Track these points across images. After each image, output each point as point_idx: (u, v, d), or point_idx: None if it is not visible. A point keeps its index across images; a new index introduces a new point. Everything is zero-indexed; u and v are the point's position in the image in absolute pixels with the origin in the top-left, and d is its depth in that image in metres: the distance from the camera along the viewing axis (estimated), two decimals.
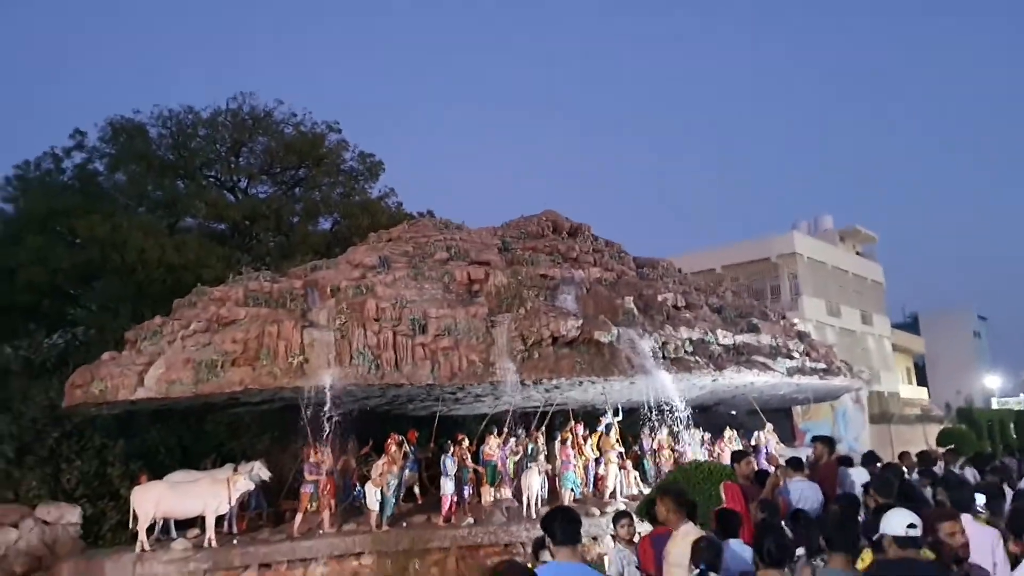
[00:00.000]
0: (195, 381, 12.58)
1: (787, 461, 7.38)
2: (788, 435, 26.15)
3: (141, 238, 20.03)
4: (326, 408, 12.65)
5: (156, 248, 19.85)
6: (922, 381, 51.92)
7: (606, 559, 6.60)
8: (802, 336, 19.01)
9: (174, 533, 13.62)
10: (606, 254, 18.86)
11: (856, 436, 34.56)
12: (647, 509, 10.57)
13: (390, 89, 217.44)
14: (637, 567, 6.17)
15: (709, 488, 9.80)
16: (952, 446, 23.38)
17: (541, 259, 16.79)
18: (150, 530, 13.12)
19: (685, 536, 4.96)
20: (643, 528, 8.25)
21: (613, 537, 6.79)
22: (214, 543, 12.90)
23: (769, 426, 20.10)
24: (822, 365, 17.91)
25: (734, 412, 22.55)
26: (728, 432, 19.51)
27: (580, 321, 14.37)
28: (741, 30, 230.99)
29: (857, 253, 44.84)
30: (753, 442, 19.98)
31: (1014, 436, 33.43)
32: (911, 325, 55.19)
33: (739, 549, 5.38)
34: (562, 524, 4.16)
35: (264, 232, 24.19)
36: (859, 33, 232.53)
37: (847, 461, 8.56)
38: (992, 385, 50.31)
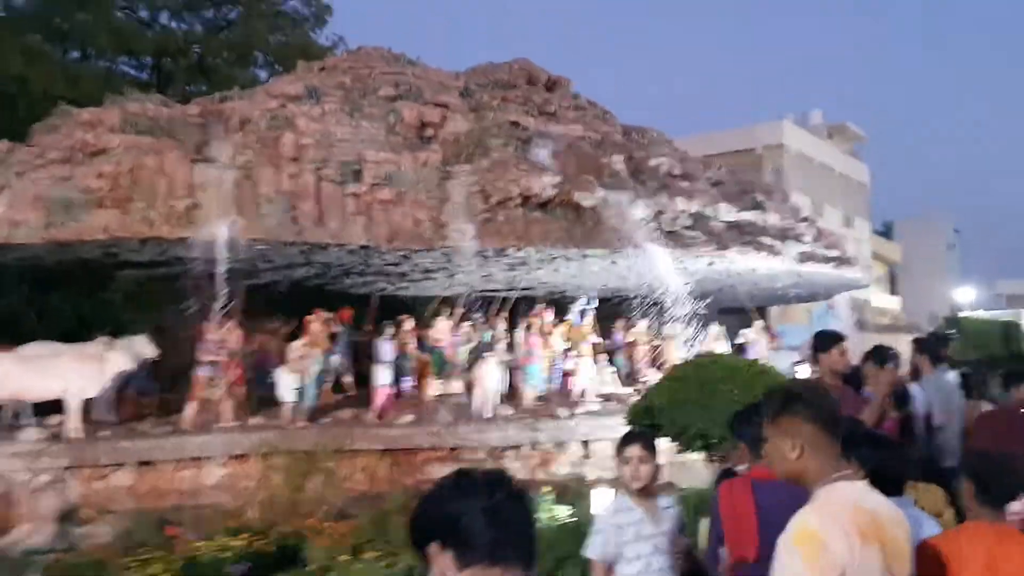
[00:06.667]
0: (45, 224, 9.47)
1: (878, 354, 4.62)
2: None
3: (23, 65, 16.33)
4: (217, 269, 9.66)
5: (41, 77, 16.19)
6: (893, 291, 50.41)
7: (595, 513, 3.68)
8: (809, 220, 16.29)
9: (29, 419, 10.74)
10: (589, 113, 15.71)
11: None
12: (636, 418, 7.98)
13: None
14: (680, 534, 3.47)
15: (731, 390, 7.16)
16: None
17: (512, 108, 13.63)
18: None
19: (859, 505, 2.08)
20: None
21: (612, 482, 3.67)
22: (77, 433, 10.09)
23: (760, 323, 17.63)
24: (835, 253, 15.28)
25: (704, 311, 20.00)
26: (715, 328, 16.92)
27: (558, 179, 11.41)
28: None
29: (843, 152, 42.14)
30: (741, 340, 17.58)
31: (1000, 347, 31.87)
32: (885, 233, 53.35)
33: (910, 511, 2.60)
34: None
35: (181, 73, 20.42)
36: None
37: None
38: (964, 299, 48.93)
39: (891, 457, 2.67)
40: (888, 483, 2.44)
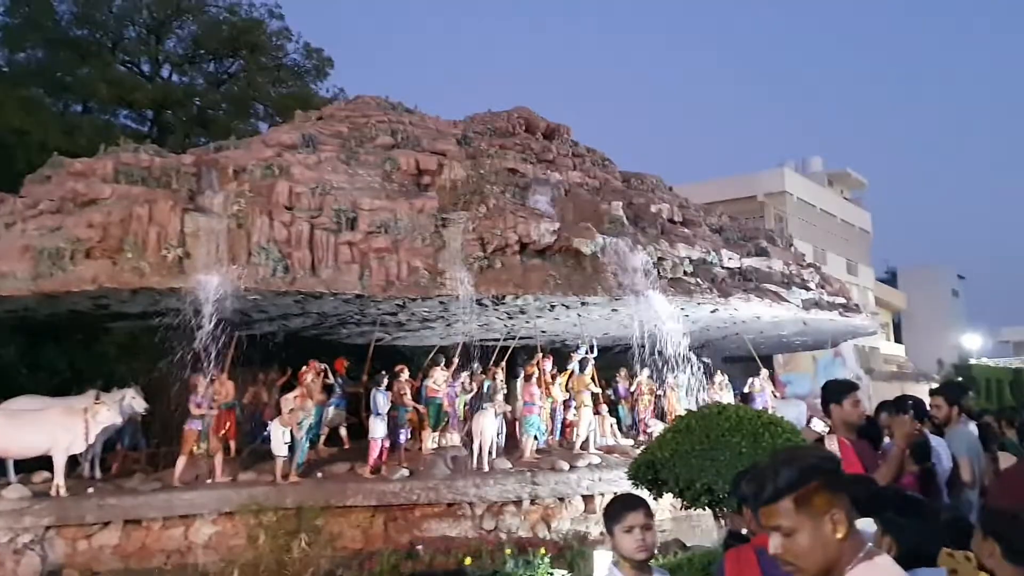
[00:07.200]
0: (33, 275, 9.29)
1: (896, 403, 4.36)
2: None
3: (21, 117, 16.36)
4: (208, 319, 9.42)
5: (39, 129, 16.20)
6: (897, 338, 49.97)
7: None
8: (814, 267, 16.10)
9: (12, 476, 10.39)
10: (588, 160, 15.67)
11: None
12: (639, 472, 7.63)
13: None
14: None
15: (739, 442, 6.84)
16: None
17: (510, 155, 13.55)
18: None
19: None
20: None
21: (611, 552, 3.32)
22: (63, 491, 9.75)
23: (765, 372, 17.29)
24: (840, 300, 15.04)
25: (707, 360, 19.57)
26: (719, 377, 16.61)
27: (556, 225, 11.27)
28: None
29: (845, 199, 42.19)
30: (747, 389, 17.23)
31: (1010, 395, 31.47)
32: (889, 280, 53.12)
33: None
34: None
35: (181, 125, 20.48)
36: None
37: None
38: (971, 345, 48.47)
39: (924, 524, 2.37)
40: (921, 555, 2.15)
